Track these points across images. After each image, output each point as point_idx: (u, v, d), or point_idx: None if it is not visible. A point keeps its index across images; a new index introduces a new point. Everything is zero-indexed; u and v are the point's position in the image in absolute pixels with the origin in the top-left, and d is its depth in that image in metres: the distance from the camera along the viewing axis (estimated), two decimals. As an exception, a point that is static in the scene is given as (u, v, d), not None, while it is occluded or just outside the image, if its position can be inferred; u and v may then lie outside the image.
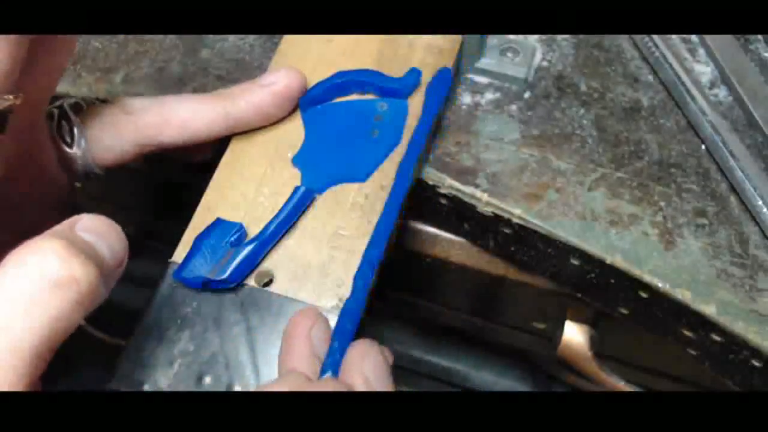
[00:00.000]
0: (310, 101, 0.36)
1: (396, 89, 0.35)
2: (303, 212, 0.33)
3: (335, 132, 0.35)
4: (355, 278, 0.31)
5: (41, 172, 0.33)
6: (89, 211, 0.26)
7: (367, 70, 0.36)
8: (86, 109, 0.34)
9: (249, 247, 0.31)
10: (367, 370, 0.28)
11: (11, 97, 0.26)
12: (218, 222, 0.32)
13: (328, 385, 0.27)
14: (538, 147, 0.37)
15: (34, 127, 0.31)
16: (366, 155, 0.34)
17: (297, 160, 0.34)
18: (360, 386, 0.27)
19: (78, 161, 0.33)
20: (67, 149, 0.33)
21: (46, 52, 0.29)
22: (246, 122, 0.34)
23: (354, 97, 0.36)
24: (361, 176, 0.33)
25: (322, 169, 0.34)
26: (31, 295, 0.22)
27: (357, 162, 0.34)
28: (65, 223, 0.25)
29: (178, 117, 0.34)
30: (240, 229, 0.32)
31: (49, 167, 0.33)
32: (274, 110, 0.35)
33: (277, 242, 0.32)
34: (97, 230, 0.25)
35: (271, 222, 0.32)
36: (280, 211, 0.32)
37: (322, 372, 0.28)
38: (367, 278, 0.31)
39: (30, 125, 0.31)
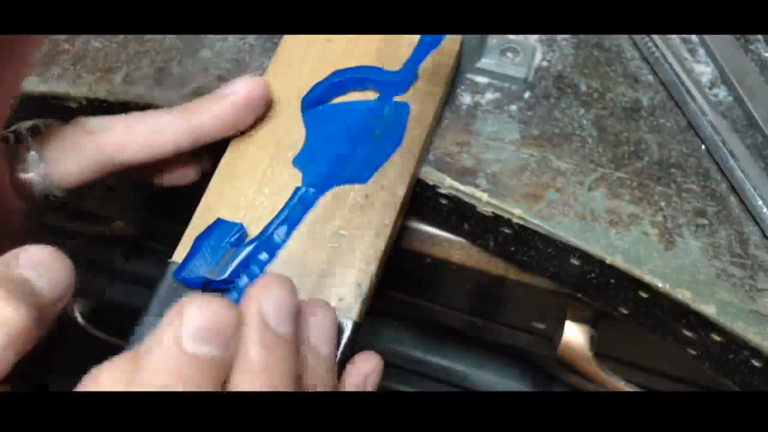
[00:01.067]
0: (310, 102, 0.36)
1: (394, 82, 0.35)
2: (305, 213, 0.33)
3: (336, 133, 0.35)
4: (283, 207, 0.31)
5: None
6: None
7: (363, 67, 0.36)
8: (45, 130, 0.33)
9: (249, 248, 0.31)
10: (265, 303, 0.25)
11: None
12: (218, 222, 0.32)
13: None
14: (538, 147, 0.37)
15: None
16: (367, 156, 0.34)
17: (298, 161, 0.34)
18: (253, 324, 0.24)
19: (36, 186, 0.32)
20: (23, 175, 0.32)
21: None
22: (210, 135, 0.34)
23: (354, 95, 0.36)
24: (363, 177, 0.33)
25: (323, 170, 0.34)
26: None
27: (358, 163, 0.34)
28: (3, 259, 0.25)
29: (140, 134, 0.33)
30: (240, 229, 0.32)
31: (2, 194, 0.32)
32: (237, 121, 0.34)
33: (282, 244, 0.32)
34: (38, 264, 0.25)
35: (271, 223, 0.32)
36: (281, 212, 0.32)
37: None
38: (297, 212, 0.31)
39: None
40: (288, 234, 0.32)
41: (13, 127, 0.33)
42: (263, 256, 0.31)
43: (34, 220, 0.35)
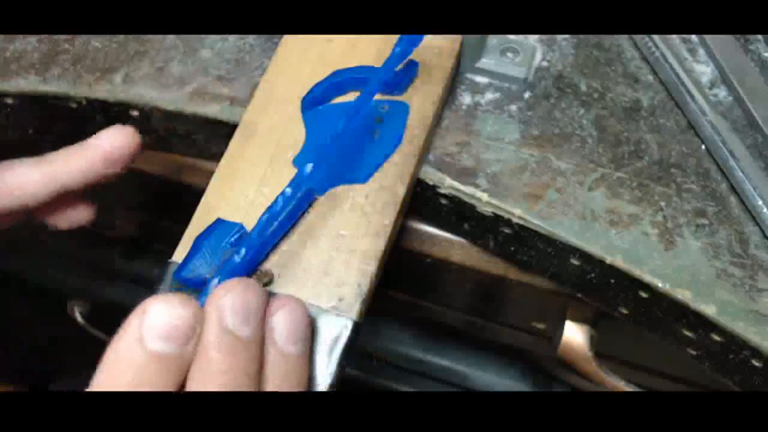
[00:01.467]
0: (310, 102, 0.36)
1: (393, 82, 0.35)
2: (303, 213, 0.33)
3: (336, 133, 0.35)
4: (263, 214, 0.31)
5: None
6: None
7: (362, 67, 0.36)
8: None
9: (249, 248, 0.31)
10: (225, 304, 0.25)
11: None
12: (218, 222, 0.32)
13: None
14: (538, 147, 0.37)
15: None
16: (367, 156, 0.34)
17: (298, 161, 0.34)
18: (212, 324, 0.25)
19: None
20: None
21: None
22: (73, 185, 0.35)
23: (353, 95, 0.36)
24: (362, 177, 0.33)
25: (322, 170, 0.34)
26: None
27: (358, 163, 0.34)
28: None
29: (5, 184, 0.33)
30: (240, 229, 0.32)
31: None
32: (99, 174, 0.35)
33: (278, 243, 0.32)
34: None
35: (269, 222, 0.31)
36: (280, 211, 0.32)
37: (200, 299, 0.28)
38: (274, 213, 0.31)
39: None
40: (288, 234, 0.32)
41: None
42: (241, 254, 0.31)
43: None
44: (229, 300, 0.26)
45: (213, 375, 0.25)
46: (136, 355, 0.24)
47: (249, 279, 0.27)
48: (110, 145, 0.34)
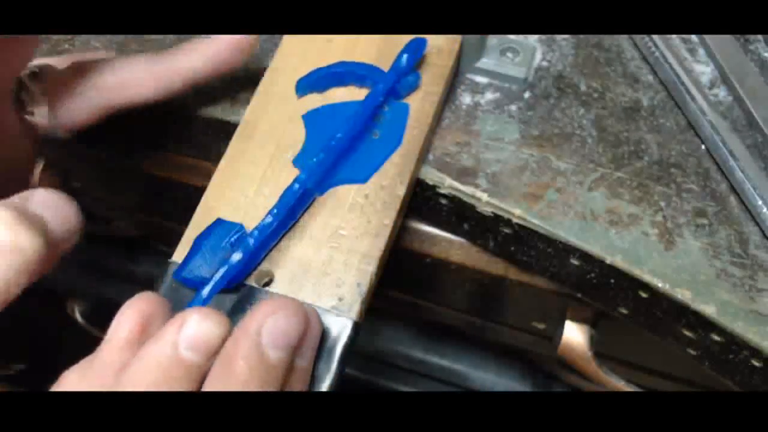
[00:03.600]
0: (304, 86, 0.36)
1: (394, 89, 0.35)
2: (303, 213, 0.33)
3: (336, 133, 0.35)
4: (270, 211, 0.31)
5: (3, 144, 0.34)
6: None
7: (369, 66, 0.36)
8: (46, 76, 0.35)
9: (249, 249, 0.31)
10: (265, 324, 0.26)
11: None
12: (219, 222, 0.32)
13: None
14: (538, 147, 0.37)
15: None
16: (367, 157, 0.34)
17: (298, 162, 0.34)
18: (247, 339, 0.26)
19: (40, 128, 0.34)
20: (30, 118, 0.34)
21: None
22: (203, 75, 0.35)
23: (353, 93, 0.36)
24: (362, 178, 0.33)
25: (322, 170, 0.34)
26: None
27: (358, 163, 0.34)
28: (18, 196, 0.27)
29: (139, 76, 0.34)
30: (240, 230, 0.32)
31: (12, 137, 0.34)
32: (230, 60, 0.35)
33: (277, 243, 0.32)
34: (49, 205, 0.27)
35: (271, 223, 0.31)
36: (279, 211, 0.32)
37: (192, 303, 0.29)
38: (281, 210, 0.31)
39: None
40: (288, 234, 0.32)
41: None
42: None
43: (32, 171, 0.37)
44: (273, 321, 0.26)
45: (233, 384, 0.25)
46: (165, 358, 0.25)
47: (296, 304, 0.27)
48: (228, 42, 0.34)
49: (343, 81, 0.36)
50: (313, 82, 0.36)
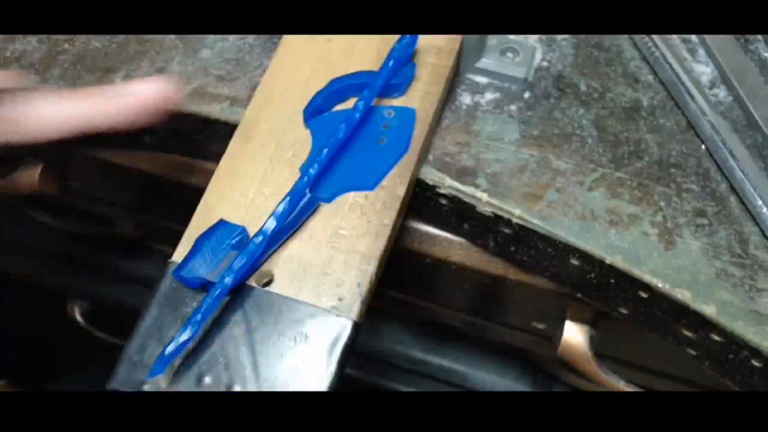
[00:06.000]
0: (311, 113, 0.36)
1: (391, 85, 0.35)
2: (306, 218, 0.33)
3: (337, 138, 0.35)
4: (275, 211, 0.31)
5: None
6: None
7: (361, 72, 0.36)
8: None
9: (250, 252, 0.30)
10: None
11: None
12: (220, 223, 0.32)
13: None
14: (538, 147, 0.37)
15: None
16: (373, 163, 0.34)
17: (304, 169, 0.34)
18: None
19: None
20: None
21: None
22: (103, 128, 0.32)
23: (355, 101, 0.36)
24: (370, 184, 0.33)
25: (329, 177, 0.33)
26: None
27: (365, 170, 0.34)
28: None
29: (36, 114, 0.31)
30: (242, 232, 0.32)
31: None
32: (135, 119, 0.32)
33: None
34: None
35: (272, 231, 0.31)
36: (283, 219, 0.31)
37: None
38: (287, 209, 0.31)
39: None
40: (284, 237, 0.32)
41: None
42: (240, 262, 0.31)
43: None
44: None
45: None
46: None
47: None
48: (148, 95, 0.32)
49: (345, 97, 0.36)
50: (319, 107, 0.36)
